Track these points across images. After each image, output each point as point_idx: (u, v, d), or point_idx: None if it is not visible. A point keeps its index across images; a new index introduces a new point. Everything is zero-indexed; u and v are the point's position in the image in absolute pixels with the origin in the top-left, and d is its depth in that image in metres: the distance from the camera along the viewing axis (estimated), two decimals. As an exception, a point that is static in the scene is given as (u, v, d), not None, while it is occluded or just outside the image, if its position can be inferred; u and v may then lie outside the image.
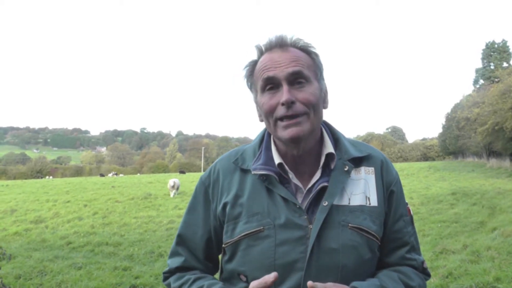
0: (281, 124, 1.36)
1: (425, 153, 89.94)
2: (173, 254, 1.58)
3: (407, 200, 1.57)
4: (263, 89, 1.38)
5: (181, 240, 1.57)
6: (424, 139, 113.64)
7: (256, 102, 1.46)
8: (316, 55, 1.44)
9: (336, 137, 1.52)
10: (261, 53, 1.43)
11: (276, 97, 1.35)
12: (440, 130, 66.43)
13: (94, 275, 7.38)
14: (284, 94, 1.33)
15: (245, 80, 1.49)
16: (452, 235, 9.98)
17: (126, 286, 6.81)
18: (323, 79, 1.46)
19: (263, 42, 1.43)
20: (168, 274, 1.57)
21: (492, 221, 10.85)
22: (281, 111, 1.34)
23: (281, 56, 1.37)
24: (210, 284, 1.43)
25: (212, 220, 1.51)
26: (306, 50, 1.42)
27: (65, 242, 11.03)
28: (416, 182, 25.12)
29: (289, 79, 1.34)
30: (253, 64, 1.45)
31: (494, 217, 11.48)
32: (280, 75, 1.34)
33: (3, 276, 6.66)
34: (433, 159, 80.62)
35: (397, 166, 45.13)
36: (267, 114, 1.38)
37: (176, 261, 1.55)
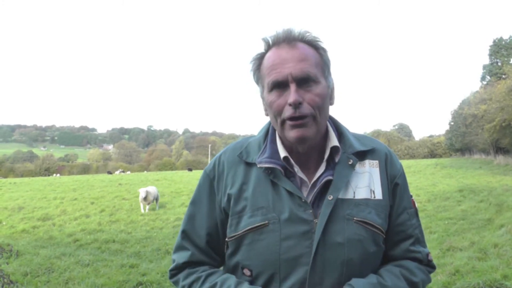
0: (288, 124, 1.36)
1: (432, 150, 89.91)
2: (179, 248, 1.55)
3: (414, 197, 1.57)
4: (271, 89, 1.38)
5: (187, 234, 1.53)
6: (431, 136, 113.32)
7: (263, 97, 1.46)
8: (324, 50, 1.43)
9: (340, 131, 1.52)
10: (268, 46, 1.42)
11: (283, 96, 1.35)
12: (447, 127, 66.33)
13: (101, 272, 7.41)
14: (291, 95, 1.32)
15: (252, 73, 1.48)
16: (459, 232, 9.94)
17: (133, 283, 6.82)
18: (330, 75, 1.45)
19: (270, 35, 1.42)
20: (176, 270, 1.53)
21: (499, 218, 10.80)
22: (288, 111, 1.34)
23: (288, 53, 1.36)
24: (224, 280, 1.41)
25: (218, 213, 1.49)
26: (314, 45, 1.41)
27: (72, 240, 11.09)
28: (423, 179, 25.05)
29: (297, 80, 1.34)
30: (260, 57, 1.44)
31: (501, 214, 11.42)
32: (288, 77, 1.33)
33: (10, 273, 6.69)
34: (440, 156, 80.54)
35: (404, 163, 45.00)
36: (275, 114, 1.38)
37: (183, 256, 1.52)
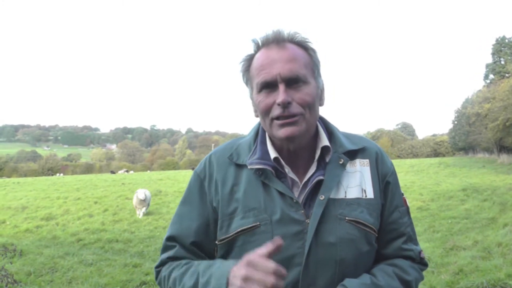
0: (276, 123, 1.35)
1: (435, 149, 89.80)
2: (165, 249, 1.53)
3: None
4: (260, 89, 1.38)
5: (173, 235, 1.51)
6: (434, 135, 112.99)
7: (252, 98, 1.45)
8: (314, 51, 1.42)
9: (330, 131, 1.51)
10: (257, 47, 1.42)
11: (272, 96, 1.35)
12: (451, 126, 66.29)
13: (104, 271, 7.43)
14: (280, 94, 1.32)
15: (241, 74, 1.48)
16: (463, 231, 9.94)
17: (136, 282, 6.84)
18: (320, 76, 1.45)
19: (260, 36, 1.41)
20: (160, 267, 1.51)
21: (503, 217, 10.79)
22: (277, 111, 1.33)
23: (277, 53, 1.35)
24: (199, 262, 1.40)
25: (210, 212, 1.47)
26: (303, 46, 1.41)
27: (76, 239, 11.12)
28: (426, 178, 25.00)
29: (286, 81, 1.33)
30: (250, 58, 1.44)
31: (505, 213, 11.41)
32: (277, 77, 1.33)
33: (14, 272, 6.71)
34: (443, 155, 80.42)
35: (407, 162, 44.96)
36: (263, 114, 1.38)
37: (168, 253, 1.50)
